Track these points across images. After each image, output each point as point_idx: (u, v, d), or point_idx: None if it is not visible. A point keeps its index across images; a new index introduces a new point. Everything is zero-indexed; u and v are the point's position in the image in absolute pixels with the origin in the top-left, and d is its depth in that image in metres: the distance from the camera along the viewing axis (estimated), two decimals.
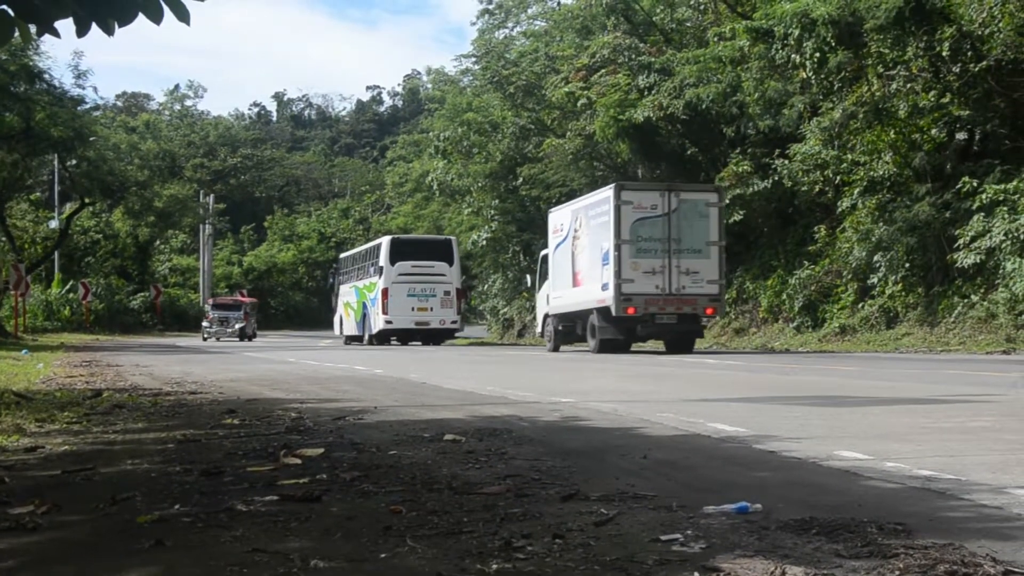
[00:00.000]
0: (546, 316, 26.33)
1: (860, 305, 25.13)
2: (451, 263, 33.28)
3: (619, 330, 22.38)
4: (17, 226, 48.66)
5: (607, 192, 22.44)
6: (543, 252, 27.35)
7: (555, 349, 25.58)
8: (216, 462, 5.48)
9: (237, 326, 43.85)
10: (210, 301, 49.61)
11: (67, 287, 50.44)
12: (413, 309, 32.49)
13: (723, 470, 5.12)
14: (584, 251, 23.60)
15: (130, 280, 60.31)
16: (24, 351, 22.94)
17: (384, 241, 34.39)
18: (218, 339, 42.18)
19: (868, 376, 13.00)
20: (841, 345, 24.05)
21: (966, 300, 21.96)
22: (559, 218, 25.74)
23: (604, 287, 22.15)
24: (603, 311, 22.34)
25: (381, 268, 32.92)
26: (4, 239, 44.35)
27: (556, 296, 25.39)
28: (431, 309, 32.60)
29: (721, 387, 11.31)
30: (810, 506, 4.05)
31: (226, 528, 3.83)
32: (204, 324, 45.24)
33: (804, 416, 7.71)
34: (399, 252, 33.24)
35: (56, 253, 51.87)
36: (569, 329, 25.04)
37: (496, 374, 14.82)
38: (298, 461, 5.48)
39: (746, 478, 4.83)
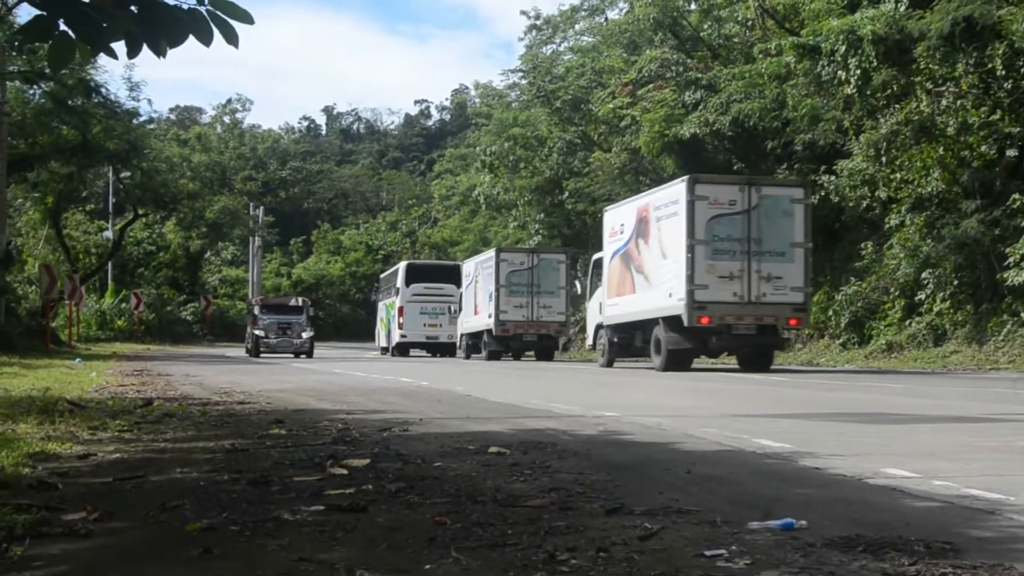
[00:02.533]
0: (461, 335, 35.78)
1: (907, 322, 24.83)
2: (459, 285, 37.15)
3: (500, 345, 31.89)
4: (72, 236, 49.45)
5: (491, 253, 32.89)
6: (460, 290, 36.32)
7: (467, 357, 34.41)
8: (263, 471, 5.55)
9: (305, 335, 34.13)
10: (256, 300, 38.49)
11: (120, 297, 51.11)
12: (425, 325, 38.01)
13: (768, 486, 5.10)
14: (481, 291, 33.19)
15: (181, 291, 61.03)
16: (78, 360, 23.29)
17: (401, 266, 40.17)
18: (260, 352, 33.70)
19: (915, 394, 12.86)
20: (888, 362, 23.79)
21: (1016, 318, 21.63)
22: (467, 268, 35.91)
23: (490, 316, 31.68)
24: (489, 331, 32.00)
25: (398, 289, 38.36)
26: (60, 249, 45.08)
27: (465, 321, 34.96)
28: (440, 325, 37.85)
29: (766, 403, 11.24)
30: (856, 523, 4.04)
31: (273, 537, 3.88)
32: (256, 333, 34.15)
33: (850, 433, 7.65)
34: (413, 275, 38.91)
35: (110, 264, 52.62)
36: (475, 343, 34.19)
37: (541, 387, 14.83)
38: (344, 471, 5.54)
39: (791, 494, 4.82)
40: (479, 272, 33.79)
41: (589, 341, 26.80)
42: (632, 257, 22.53)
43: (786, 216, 20.52)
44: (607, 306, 23.96)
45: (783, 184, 22.97)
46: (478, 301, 33.59)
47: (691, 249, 19.75)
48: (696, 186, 19.98)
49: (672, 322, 20.34)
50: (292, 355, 33.60)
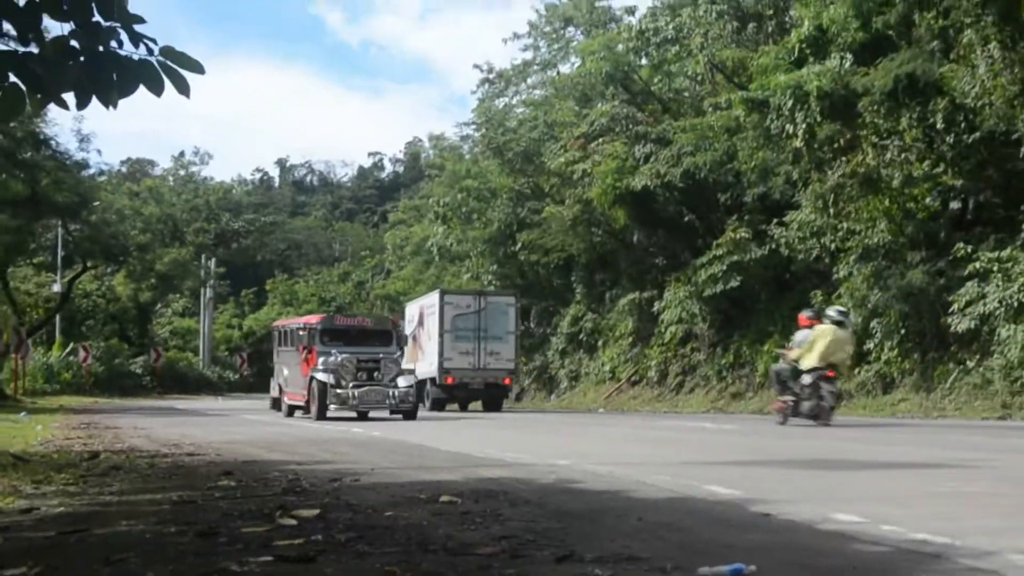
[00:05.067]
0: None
1: (856, 371, 25.06)
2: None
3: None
4: (20, 290, 48.75)
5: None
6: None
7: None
8: (211, 523, 5.48)
9: (403, 381, 21.99)
10: (310, 323, 23.86)
11: (68, 350, 50.34)
12: None
13: (718, 532, 5.12)
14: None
15: (130, 343, 60.24)
16: (23, 414, 22.86)
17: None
18: (328, 409, 21.28)
19: (864, 441, 12.98)
20: (837, 411, 23.97)
21: (962, 366, 21.94)
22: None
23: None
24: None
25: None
26: (7, 303, 44.40)
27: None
28: None
29: (717, 450, 11.29)
30: (805, 568, 4.06)
31: None
32: (320, 379, 21.36)
33: (799, 479, 7.71)
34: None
35: (58, 316, 51.89)
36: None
37: (493, 436, 14.78)
38: (294, 522, 5.48)
39: (741, 540, 4.84)
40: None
41: None
42: (418, 337, 31.96)
43: (503, 314, 30.65)
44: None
45: (501, 294, 33.99)
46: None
47: (442, 335, 29.89)
48: (445, 296, 30.99)
49: (433, 380, 29.99)
50: (353, 414, 22.06)
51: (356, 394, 21.27)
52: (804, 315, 19.05)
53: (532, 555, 4.44)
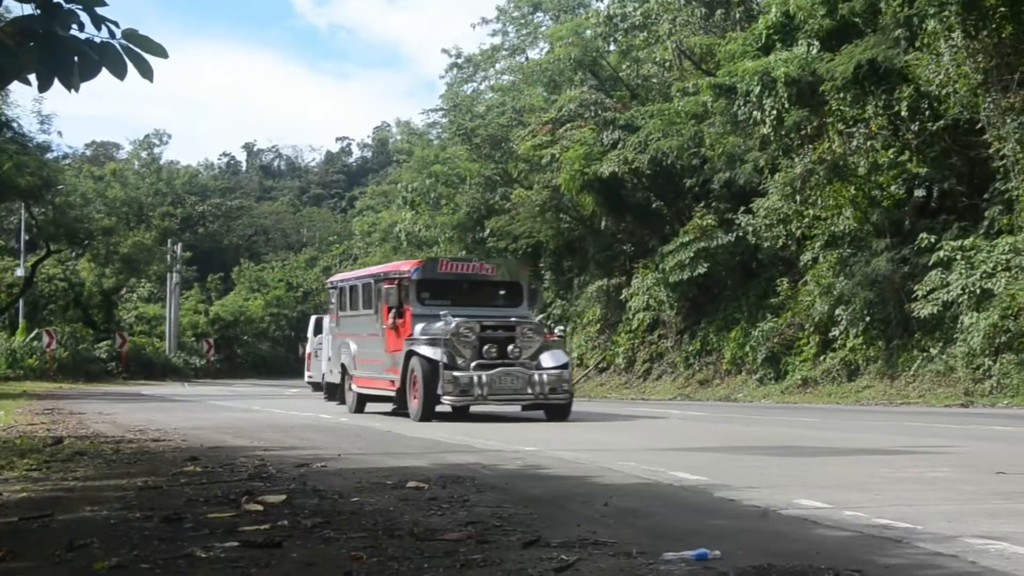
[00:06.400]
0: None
1: (822, 358, 25.26)
2: None
3: None
4: None
5: None
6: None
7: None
8: (177, 509, 5.46)
9: (551, 363, 14.59)
10: (400, 270, 16.13)
11: (32, 335, 49.75)
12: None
13: (683, 518, 5.16)
14: None
15: (95, 328, 59.60)
16: None
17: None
18: (438, 402, 14.40)
19: (828, 427, 13.10)
20: (803, 397, 24.17)
21: (925, 354, 22.15)
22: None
23: None
24: None
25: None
26: None
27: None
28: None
29: (684, 437, 11.36)
30: (769, 553, 4.10)
31: (184, 574, 3.82)
32: (424, 353, 14.26)
33: (765, 465, 7.77)
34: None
35: (21, 301, 51.29)
36: None
37: (461, 423, 14.75)
38: (260, 508, 5.47)
39: (706, 525, 4.88)
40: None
41: None
42: None
43: None
44: None
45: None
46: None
47: None
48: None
49: None
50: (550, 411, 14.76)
51: (483, 379, 14.14)
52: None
53: (499, 540, 4.46)
